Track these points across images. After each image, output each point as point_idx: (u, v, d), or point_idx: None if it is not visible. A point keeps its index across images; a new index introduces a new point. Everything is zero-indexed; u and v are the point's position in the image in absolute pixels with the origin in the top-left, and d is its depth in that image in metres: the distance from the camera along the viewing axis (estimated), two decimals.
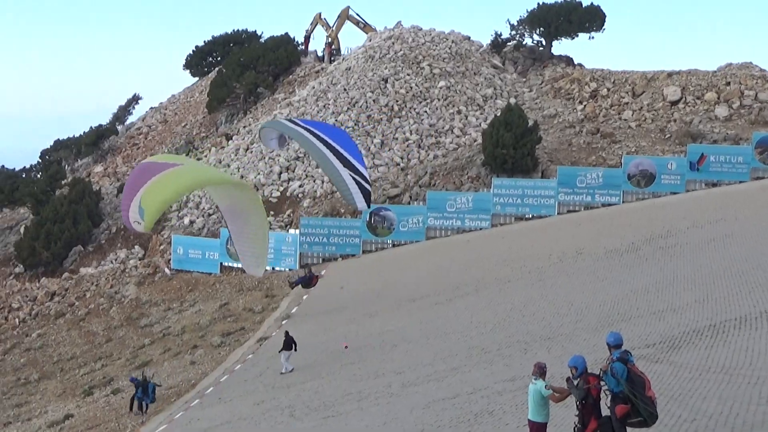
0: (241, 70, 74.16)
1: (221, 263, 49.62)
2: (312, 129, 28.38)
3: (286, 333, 29.35)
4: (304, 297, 40.71)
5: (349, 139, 29.02)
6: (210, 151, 65.84)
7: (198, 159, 65.59)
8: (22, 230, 61.81)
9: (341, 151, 27.49)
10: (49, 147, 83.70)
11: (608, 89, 59.70)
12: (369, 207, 29.49)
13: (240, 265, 48.95)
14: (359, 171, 27.76)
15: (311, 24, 79.66)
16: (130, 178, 22.53)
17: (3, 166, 73.67)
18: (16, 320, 48.78)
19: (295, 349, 28.87)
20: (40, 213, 59.99)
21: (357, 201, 27.39)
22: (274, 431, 21.44)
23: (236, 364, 32.73)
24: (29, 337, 45.96)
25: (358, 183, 27.44)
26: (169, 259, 51.38)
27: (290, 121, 29.30)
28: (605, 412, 12.38)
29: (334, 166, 27.34)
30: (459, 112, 60.16)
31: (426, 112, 59.60)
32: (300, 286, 39.40)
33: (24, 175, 72.03)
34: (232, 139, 65.15)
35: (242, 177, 57.54)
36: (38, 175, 72.75)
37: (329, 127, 30.65)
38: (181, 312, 43.86)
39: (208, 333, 38.76)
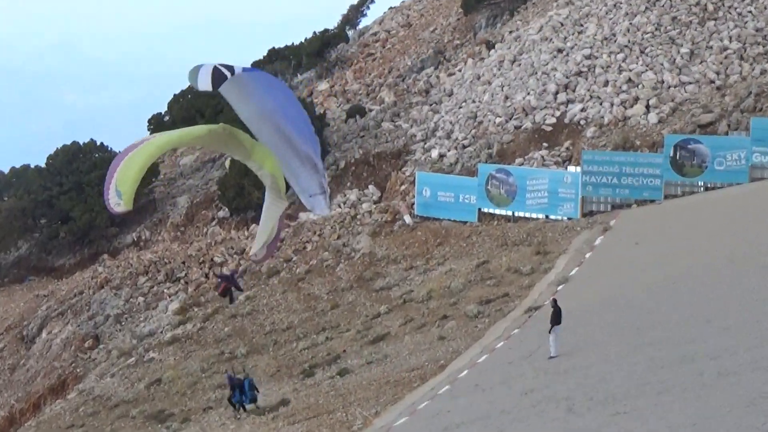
0: None
1: (479, 209, 50.66)
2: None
3: (554, 302, 29.67)
4: (587, 255, 40.86)
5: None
6: (465, 63, 66.79)
7: (450, 74, 66.95)
8: (227, 164, 65.70)
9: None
10: (262, 58, 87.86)
11: None
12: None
13: (504, 212, 49.99)
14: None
15: None
16: (112, 163, 24.86)
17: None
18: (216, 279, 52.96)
19: (559, 322, 29.07)
20: None
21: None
22: (546, 430, 21.96)
23: (498, 341, 33.34)
24: (235, 299, 49.52)
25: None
26: (413, 204, 53.16)
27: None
28: None
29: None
30: None
31: (751, 12, 56.85)
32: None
33: None
34: (494, 48, 65.58)
35: (507, 98, 58.17)
36: None
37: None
38: (426, 272, 45.33)
39: (462, 300, 39.76)
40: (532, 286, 39.17)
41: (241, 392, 33.91)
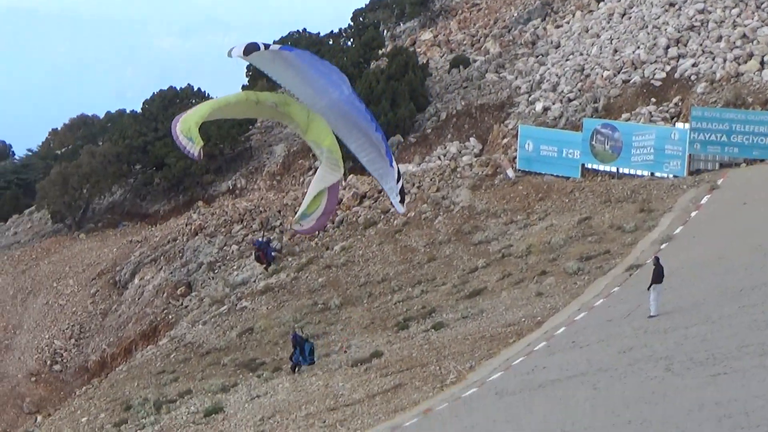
0: None
1: (583, 165, 50.57)
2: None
3: (656, 260, 29.71)
4: (693, 214, 40.60)
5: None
6: (573, 16, 66.38)
7: (557, 26, 66.52)
8: None
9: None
10: (363, 7, 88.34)
11: None
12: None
13: (608, 169, 49.77)
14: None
15: None
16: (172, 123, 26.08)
17: (305, 29, 78.94)
18: None
19: (660, 281, 29.12)
20: None
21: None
22: (644, 388, 22.03)
23: (597, 299, 33.41)
24: (330, 250, 49.74)
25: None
26: (515, 157, 53.23)
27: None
28: None
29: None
30: None
31: None
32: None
33: (331, 42, 76.71)
34: (603, 0, 65.16)
35: (616, 51, 57.70)
36: (349, 42, 77.45)
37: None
38: (526, 227, 45.50)
39: (562, 256, 39.84)
40: (635, 243, 39.07)
41: (301, 353, 35.34)
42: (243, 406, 33.36)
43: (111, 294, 60.09)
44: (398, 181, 26.19)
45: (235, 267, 52.92)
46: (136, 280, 58.82)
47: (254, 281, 49.32)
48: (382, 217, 51.89)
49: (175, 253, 58.33)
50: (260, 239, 46.08)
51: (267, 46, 24.26)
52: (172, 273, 55.94)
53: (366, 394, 30.38)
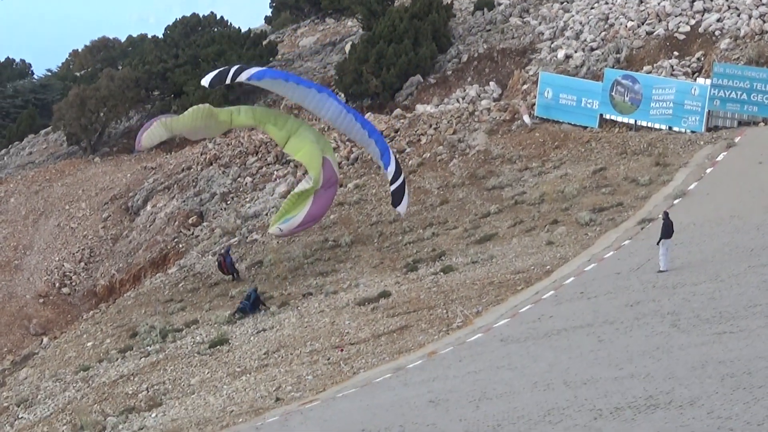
0: None
1: (601, 115, 50.26)
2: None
3: (666, 215, 29.67)
4: (708, 170, 40.46)
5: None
6: None
7: None
8: (347, 49, 66.13)
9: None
10: None
11: None
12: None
13: (626, 120, 49.50)
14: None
15: None
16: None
17: None
18: None
19: (669, 236, 29.10)
20: (373, 28, 63.60)
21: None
22: (649, 343, 22.10)
23: (607, 251, 33.50)
24: (344, 187, 49.64)
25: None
26: (533, 104, 52.95)
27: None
28: None
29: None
30: None
31: None
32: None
33: None
34: None
35: (641, 2, 57.11)
36: None
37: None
38: (541, 174, 45.45)
39: (575, 206, 39.84)
40: (648, 197, 39.04)
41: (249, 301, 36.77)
42: (248, 339, 33.64)
43: (122, 220, 60.25)
44: (392, 183, 25.88)
45: (248, 199, 52.98)
46: (149, 207, 58.92)
47: (266, 214, 49.31)
48: (398, 156, 51.76)
49: (188, 181, 58.39)
50: (222, 251, 44.30)
51: (236, 75, 24.78)
52: (184, 202, 56.01)
53: (371, 333, 30.62)
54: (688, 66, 51.65)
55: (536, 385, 20.38)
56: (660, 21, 54.86)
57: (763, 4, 51.97)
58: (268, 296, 38.49)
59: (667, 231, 29.22)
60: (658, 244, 29.55)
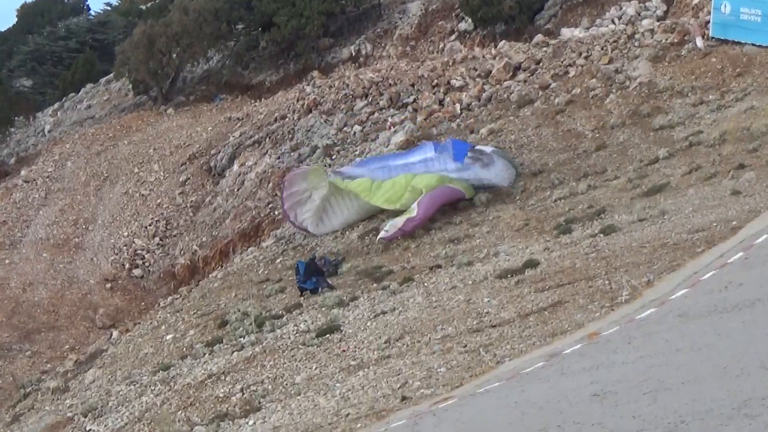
0: None
1: None
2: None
3: None
4: None
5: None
6: None
7: None
8: None
9: None
10: None
11: None
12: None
13: None
14: None
15: None
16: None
17: None
18: (457, 106, 53.65)
19: None
20: None
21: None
22: None
23: None
24: (475, 134, 49.99)
25: None
26: (707, 22, 52.21)
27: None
28: None
29: None
30: None
31: None
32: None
33: None
34: None
35: None
36: None
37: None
38: (720, 109, 44.83)
39: (764, 146, 39.11)
40: None
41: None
42: (364, 324, 33.88)
43: (204, 183, 61.34)
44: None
45: (357, 152, 53.41)
46: (236, 167, 59.84)
47: None
48: (541, 94, 51.70)
49: (283, 134, 59.08)
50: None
51: None
52: (279, 158, 56.71)
53: (517, 312, 30.58)
54: None
55: (726, 371, 20.23)
56: None
57: None
58: (387, 270, 38.77)
59: None
60: None
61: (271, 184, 54.73)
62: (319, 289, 38.13)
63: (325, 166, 53.92)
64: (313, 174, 47.06)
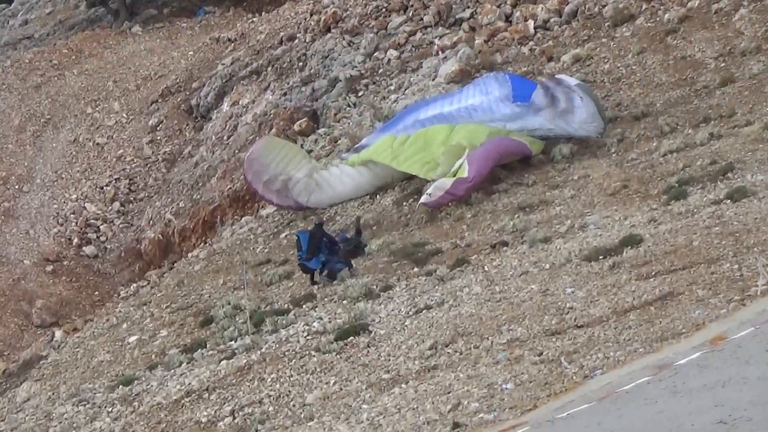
0: None
1: None
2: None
3: None
4: None
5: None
6: None
7: None
8: None
9: None
10: None
11: None
12: None
13: None
14: None
15: None
16: None
17: None
18: (530, 23, 53.53)
19: None
20: None
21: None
22: None
23: None
24: (554, 62, 50.58)
25: None
26: None
27: None
28: None
29: None
30: None
31: None
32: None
33: None
34: None
35: None
36: None
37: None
38: None
39: None
40: None
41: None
42: (401, 324, 33.79)
43: (182, 129, 61.57)
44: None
45: (392, 87, 53.37)
46: (226, 107, 60.02)
47: None
48: (645, 7, 51.52)
49: (292, 61, 59.19)
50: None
51: None
52: (286, 95, 56.78)
53: (612, 308, 30.52)
54: None
55: None
56: None
57: None
58: (432, 249, 38.76)
59: None
60: None
61: (274, 130, 54.62)
62: (337, 272, 37.99)
63: (351, 101, 53.97)
64: (284, 148, 49.15)
